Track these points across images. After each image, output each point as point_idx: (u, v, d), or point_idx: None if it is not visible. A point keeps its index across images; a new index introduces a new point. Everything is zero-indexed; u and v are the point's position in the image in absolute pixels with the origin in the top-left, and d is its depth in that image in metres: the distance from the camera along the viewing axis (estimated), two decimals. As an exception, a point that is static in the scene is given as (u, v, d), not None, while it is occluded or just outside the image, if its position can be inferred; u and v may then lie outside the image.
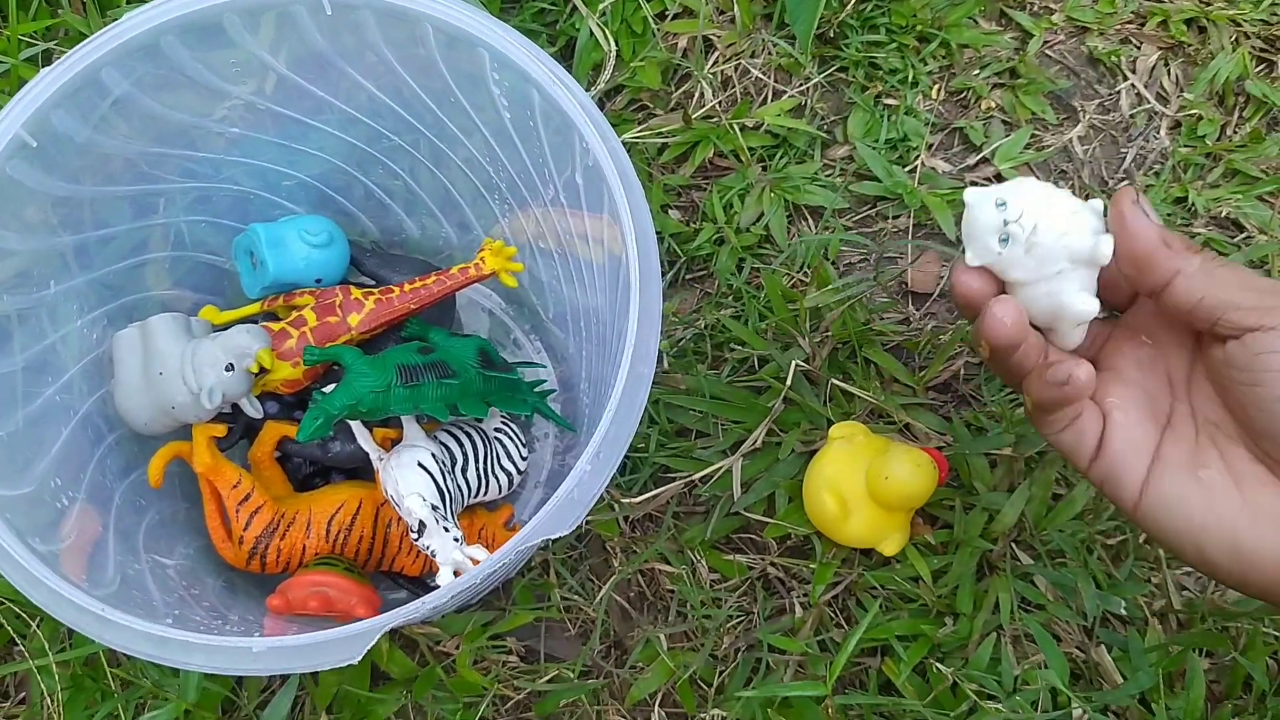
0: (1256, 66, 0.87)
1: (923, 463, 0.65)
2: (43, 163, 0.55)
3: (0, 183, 0.52)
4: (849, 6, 0.85)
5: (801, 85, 0.85)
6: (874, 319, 0.77)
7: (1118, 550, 0.71)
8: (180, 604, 0.56)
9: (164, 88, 0.59)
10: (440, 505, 0.61)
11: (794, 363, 0.73)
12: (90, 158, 0.59)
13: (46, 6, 0.81)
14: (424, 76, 0.62)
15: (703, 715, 0.69)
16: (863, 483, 0.67)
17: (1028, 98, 0.85)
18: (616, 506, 0.73)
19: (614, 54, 0.82)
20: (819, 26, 0.83)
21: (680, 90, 0.84)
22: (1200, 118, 0.85)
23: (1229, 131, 0.86)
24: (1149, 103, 0.86)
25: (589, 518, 0.72)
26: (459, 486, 0.65)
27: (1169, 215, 0.81)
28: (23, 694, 0.70)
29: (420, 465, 0.62)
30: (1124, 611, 0.70)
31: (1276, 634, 0.68)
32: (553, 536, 0.48)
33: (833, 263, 0.80)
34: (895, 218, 0.82)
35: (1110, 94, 0.87)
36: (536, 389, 0.71)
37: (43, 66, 0.78)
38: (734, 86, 0.85)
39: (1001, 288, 0.47)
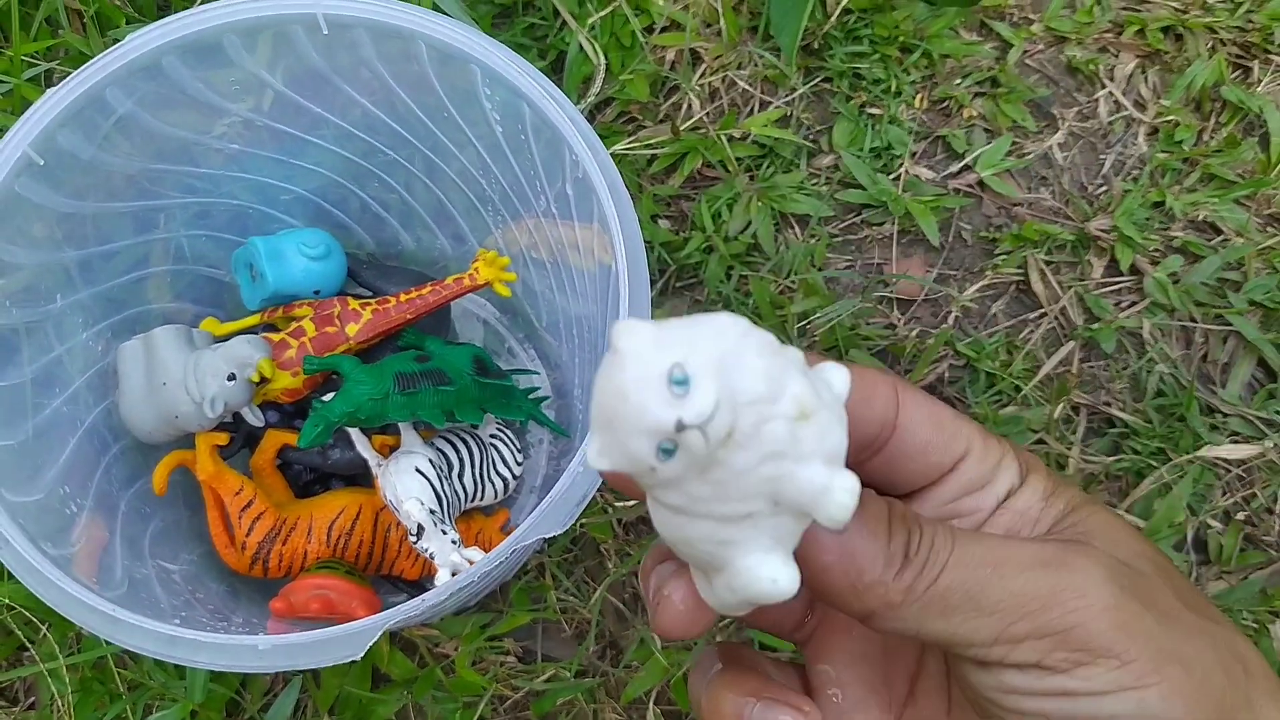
0: (1232, 73, 0.89)
1: None
2: (49, 180, 0.56)
3: (8, 199, 0.54)
4: (833, 19, 0.87)
5: (787, 96, 0.87)
6: (860, 324, 0.79)
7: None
8: (186, 607, 0.58)
9: (165, 106, 0.61)
10: (438, 509, 0.63)
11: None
12: (94, 175, 0.60)
13: (47, 27, 0.82)
14: (418, 92, 0.63)
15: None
16: None
17: (1008, 106, 0.87)
18: (610, 510, 0.74)
19: (603, 67, 0.84)
20: (803, 39, 0.85)
21: (669, 102, 0.86)
22: (1177, 124, 0.87)
23: (1205, 137, 0.88)
24: (1127, 110, 0.88)
25: (583, 521, 0.74)
26: (456, 491, 0.67)
27: (1147, 219, 0.83)
28: (32, 699, 0.71)
29: (418, 470, 0.64)
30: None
31: (1255, 625, 0.70)
32: (547, 535, 0.49)
33: (819, 269, 0.81)
34: (880, 225, 0.83)
35: (1089, 101, 0.89)
36: (531, 396, 0.72)
37: (45, 86, 0.80)
38: (721, 98, 0.86)
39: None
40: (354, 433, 0.67)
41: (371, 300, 0.70)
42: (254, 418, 0.67)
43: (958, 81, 0.88)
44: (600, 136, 0.56)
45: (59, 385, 0.60)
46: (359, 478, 0.72)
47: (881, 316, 0.81)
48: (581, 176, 0.56)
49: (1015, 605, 0.26)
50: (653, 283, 0.80)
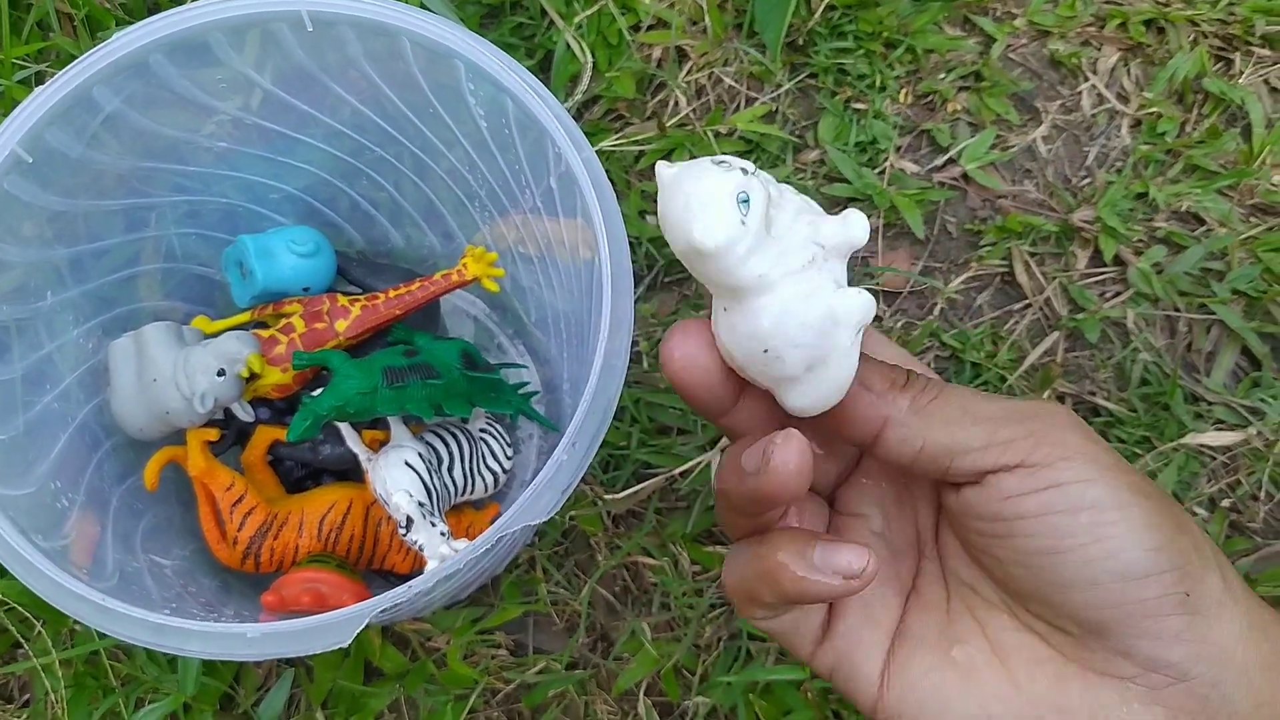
0: (1214, 64, 0.90)
1: None
2: (38, 178, 0.57)
3: (-2, 198, 0.55)
4: (817, 15, 0.87)
5: (773, 92, 0.88)
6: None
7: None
8: (178, 599, 0.58)
9: (153, 104, 0.61)
10: (427, 502, 0.63)
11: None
12: (84, 173, 0.61)
13: (38, 30, 0.83)
14: (405, 90, 0.64)
15: (687, 703, 0.71)
16: None
17: (992, 100, 0.88)
18: (600, 503, 0.75)
19: (590, 65, 0.85)
20: (788, 35, 0.86)
21: (655, 99, 0.87)
22: (1160, 115, 0.88)
23: (1188, 128, 0.88)
24: (1110, 102, 0.89)
25: (573, 514, 0.74)
26: (446, 485, 0.67)
27: (1131, 210, 0.84)
28: (26, 695, 0.71)
29: (407, 464, 0.64)
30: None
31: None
32: (533, 522, 0.50)
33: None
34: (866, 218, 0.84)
35: (1072, 94, 0.90)
36: (520, 391, 0.73)
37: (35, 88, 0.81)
38: (708, 95, 0.87)
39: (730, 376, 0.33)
40: (344, 427, 0.67)
41: (361, 297, 0.71)
42: (244, 413, 0.67)
43: (942, 76, 0.89)
44: (588, 134, 0.57)
45: (50, 382, 0.61)
46: (349, 473, 0.72)
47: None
48: (565, 170, 0.57)
49: (1002, 415, 0.31)
50: (641, 278, 0.81)
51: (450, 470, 0.68)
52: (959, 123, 0.88)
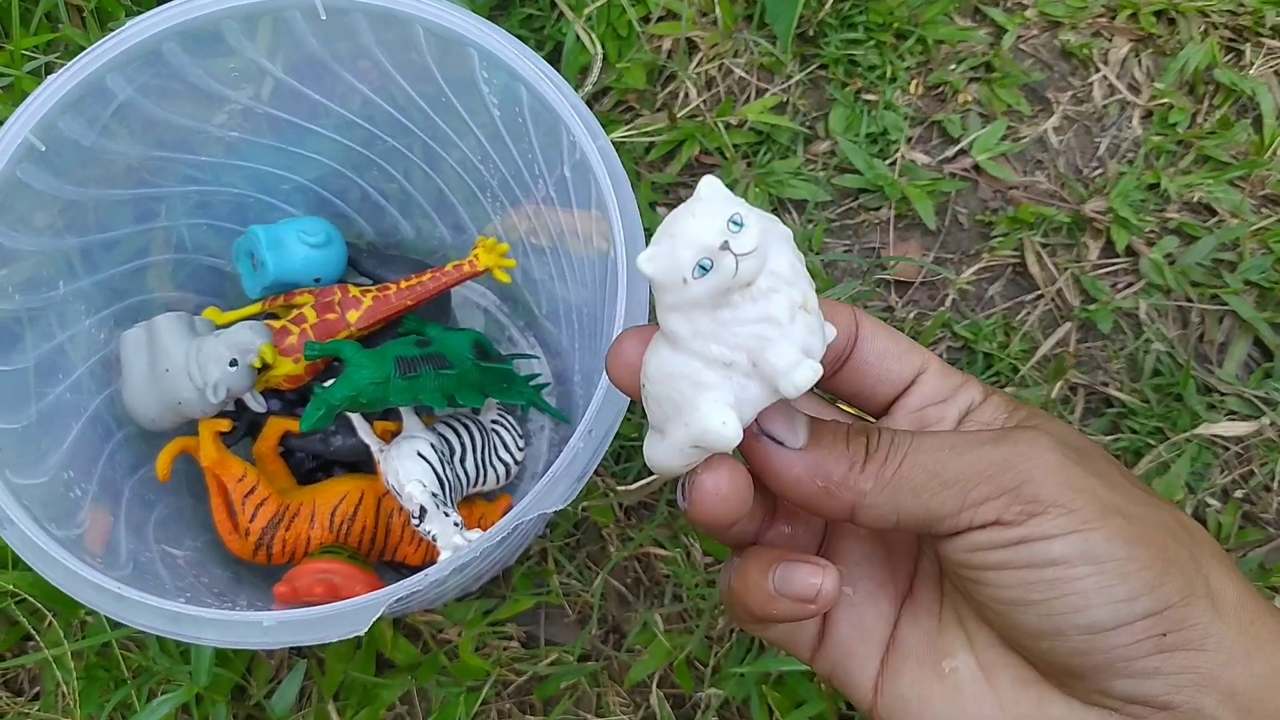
0: (1225, 55, 0.90)
1: None
2: (50, 167, 0.57)
3: (10, 185, 0.54)
4: (828, 6, 0.87)
5: (783, 83, 0.87)
6: (859, 307, 0.79)
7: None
8: (191, 589, 0.58)
9: (165, 94, 0.61)
10: (440, 493, 0.63)
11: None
12: (96, 162, 0.61)
13: (47, 22, 0.83)
14: (417, 80, 0.64)
15: (700, 694, 0.71)
16: None
17: (1003, 91, 0.88)
18: (611, 494, 0.75)
19: (600, 57, 0.84)
20: (799, 26, 0.85)
21: (665, 91, 0.87)
22: (1171, 106, 0.88)
23: (1199, 119, 0.88)
24: (1121, 93, 0.89)
25: (585, 505, 0.74)
26: (458, 476, 0.67)
27: (1142, 201, 0.84)
28: (37, 688, 0.71)
29: (420, 455, 0.64)
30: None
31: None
32: (548, 510, 0.50)
33: (818, 253, 0.82)
34: (877, 209, 0.84)
35: (1083, 85, 0.89)
36: (532, 382, 0.73)
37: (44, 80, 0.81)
38: (718, 86, 0.87)
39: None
40: (355, 418, 0.67)
41: (372, 287, 0.70)
42: (256, 404, 0.67)
43: (952, 67, 0.89)
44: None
45: (62, 372, 0.61)
46: (361, 464, 0.72)
47: (879, 299, 0.81)
48: (579, 159, 0.57)
49: (973, 474, 0.30)
50: (651, 269, 0.81)
51: (462, 461, 0.68)
52: (970, 114, 0.88)
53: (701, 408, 0.28)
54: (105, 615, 0.48)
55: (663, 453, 0.30)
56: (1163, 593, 0.29)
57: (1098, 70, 0.90)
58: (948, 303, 0.81)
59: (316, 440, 0.70)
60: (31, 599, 0.67)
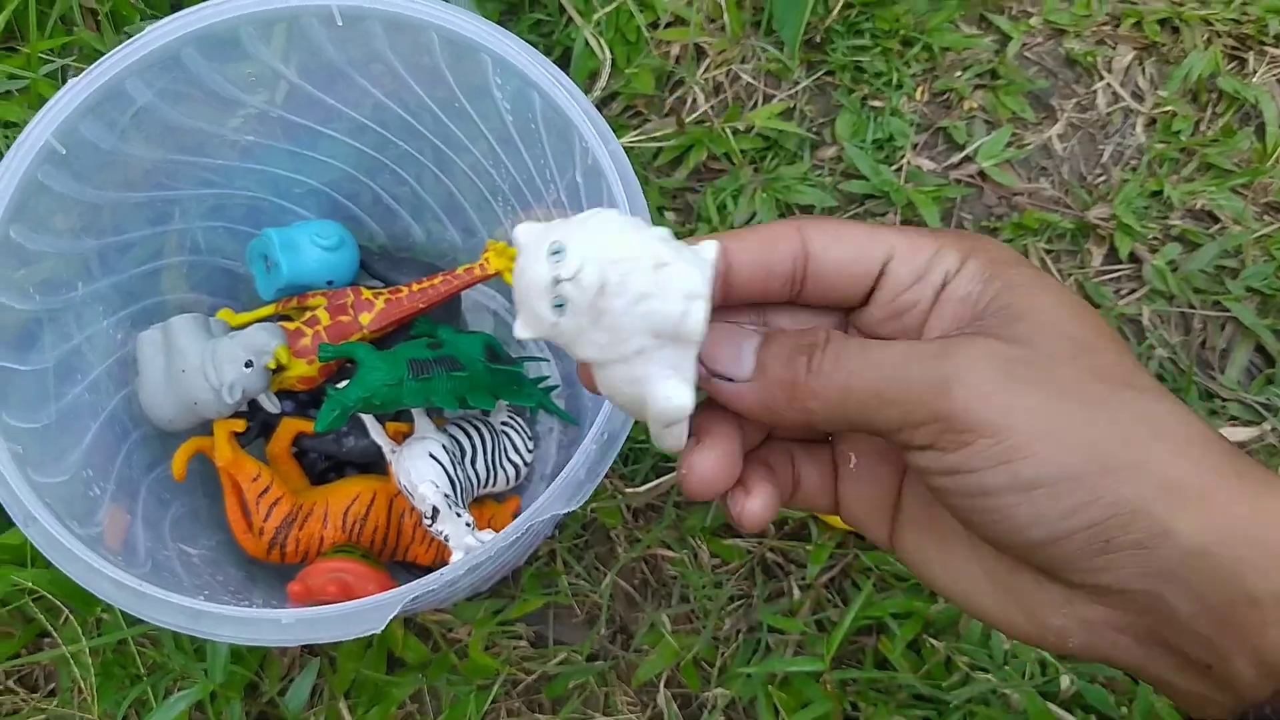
0: (1228, 64, 0.91)
1: None
2: (71, 170, 0.58)
3: (33, 188, 0.55)
4: (835, 12, 0.88)
5: (790, 89, 0.88)
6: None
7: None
8: (208, 587, 0.59)
9: (183, 98, 0.62)
10: (451, 494, 0.64)
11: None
12: (113, 166, 0.62)
13: (62, 25, 0.84)
14: (430, 85, 0.65)
15: (706, 694, 0.72)
16: None
17: (1008, 98, 0.88)
18: (620, 496, 0.76)
19: (609, 62, 0.85)
20: (806, 32, 0.86)
21: (674, 96, 0.88)
22: (1175, 114, 0.89)
23: (1202, 127, 0.89)
24: (1125, 101, 0.90)
25: (594, 507, 0.75)
26: (469, 477, 0.68)
27: (1145, 208, 0.85)
28: (52, 685, 0.72)
29: (431, 455, 0.65)
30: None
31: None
32: (560, 512, 0.50)
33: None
34: (883, 215, 0.85)
35: (1087, 93, 0.90)
36: (541, 385, 0.74)
37: (60, 82, 0.82)
38: (725, 91, 0.88)
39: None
40: (368, 420, 0.68)
41: (384, 290, 0.71)
42: (271, 405, 0.68)
43: (958, 74, 0.89)
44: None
45: (80, 372, 0.62)
46: (373, 465, 0.73)
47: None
48: (592, 164, 0.57)
49: (912, 396, 0.30)
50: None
51: (473, 463, 0.69)
52: (975, 120, 0.88)
53: (647, 397, 0.31)
54: (125, 612, 0.49)
55: (662, 441, 0.33)
56: (1102, 505, 0.29)
57: (1102, 78, 0.90)
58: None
59: (329, 441, 0.71)
60: (49, 595, 0.68)
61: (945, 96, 0.89)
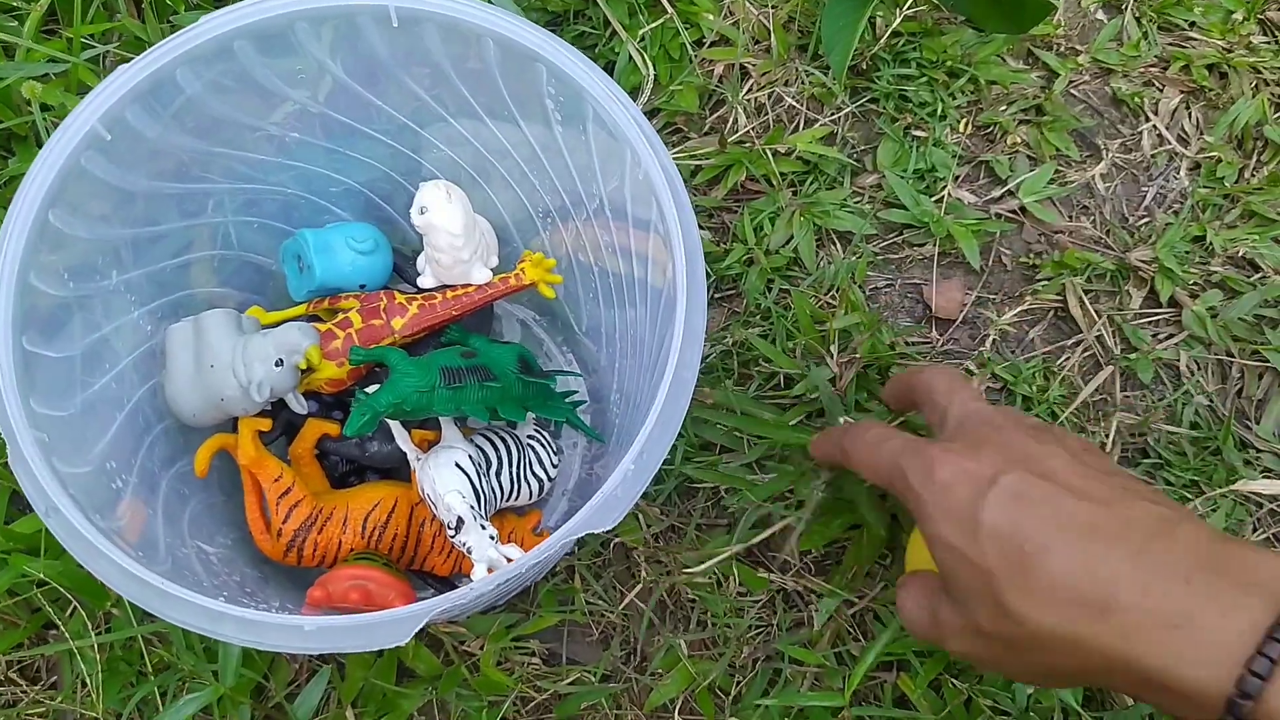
0: (1275, 112, 0.90)
1: None
2: (113, 156, 0.57)
3: (74, 172, 0.54)
4: (882, 41, 0.87)
5: (833, 115, 0.87)
6: (899, 341, 0.79)
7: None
8: (225, 587, 0.58)
9: (228, 90, 0.61)
10: (476, 505, 0.63)
11: (823, 381, 0.75)
12: (155, 155, 0.61)
13: (104, 11, 0.83)
14: (477, 90, 0.64)
15: (721, 723, 0.70)
16: None
17: (1052, 134, 0.87)
18: (642, 517, 0.74)
19: (652, 78, 0.85)
20: (852, 59, 0.85)
21: (715, 115, 0.87)
22: (1219, 160, 0.88)
23: (1247, 174, 0.88)
24: (1170, 143, 0.89)
25: (616, 527, 0.74)
26: (493, 489, 0.67)
27: (1187, 253, 0.84)
28: (54, 678, 0.71)
29: (458, 465, 0.64)
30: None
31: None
32: (596, 531, 0.49)
33: (860, 285, 0.82)
34: (921, 245, 0.84)
35: (1132, 134, 0.89)
36: (568, 400, 0.72)
37: (100, 68, 0.81)
38: (768, 113, 0.87)
39: None
40: (394, 426, 0.67)
41: (418, 295, 0.70)
42: (299, 405, 0.67)
43: (1003, 108, 0.88)
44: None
45: (107, 362, 0.61)
46: (395, 471, 0.72)
47: (920, 335, 0.81)
48: (642, 178, 0.56)
49: None
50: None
51: (498, 475, 0.68)
52: (1018, 155, 0.87)
53: None
54: (143, 610, 0.48)
55: None
56: None
57: (1148, 120, 0.89)
58: (988, 343, 0.81)
59: (353, 445, 0.70)
60: (59, 587, 0.67)
61: (989, 130, 0.88)
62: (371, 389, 0.63)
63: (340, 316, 0.69)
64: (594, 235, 0.68)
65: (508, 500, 0.69)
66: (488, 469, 0.67)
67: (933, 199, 0.85)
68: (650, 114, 0.86)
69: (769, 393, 0.78)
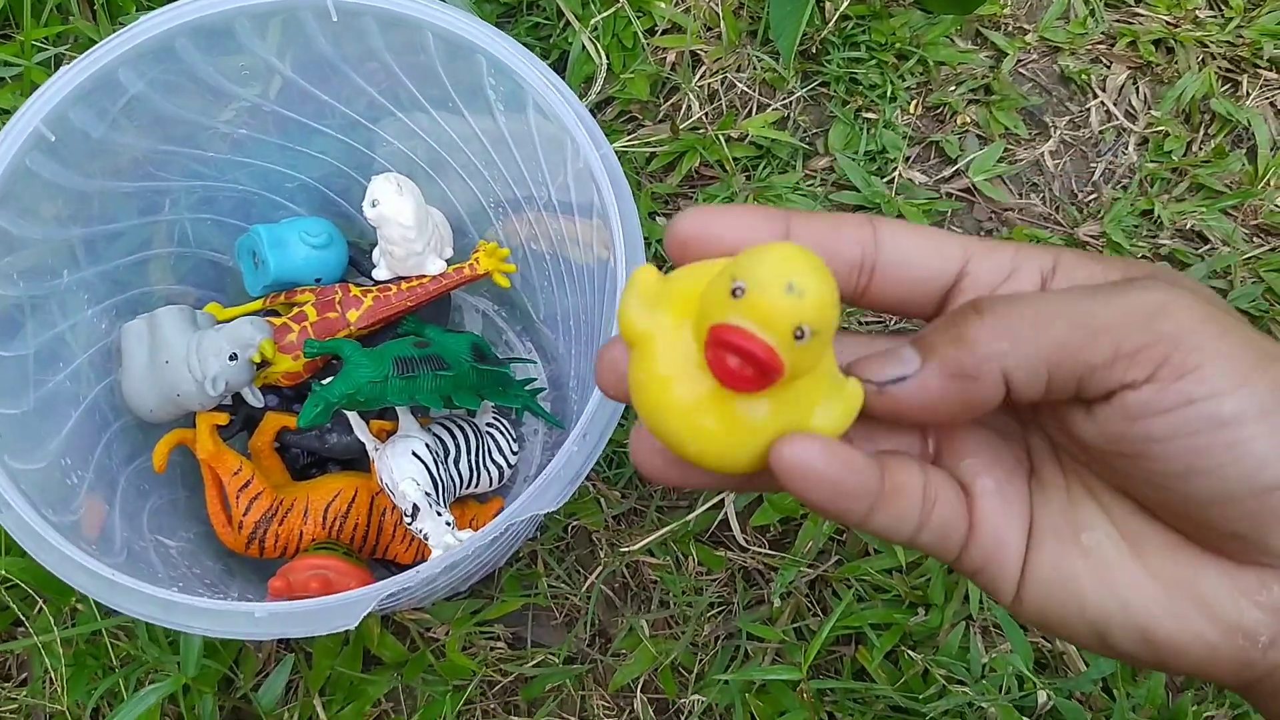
0: (1221, 86, 0.91)
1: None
2: (59, 157, 0.58)
3: (19, 174, 0.55)
4: (831, 24, 0.88)
5: (785, 99, 0.88)
6: (853, 321, 0.80)
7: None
8: (183, 579, 0.59)
9: (175, 89, 0.62)
10: (433, 492, 0.64)
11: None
12: (103, 154, 0.61)
13: (57, 14, 0.83)
14: (424, 83, 0.65)
15: (683, 700, 0.71)
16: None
17: (1001, 114, 0.89)
18: (603, 501, 0.75)
19: (605, 67, 0.85)
20: (802, 43, 0.86)
21: (668, 103, 0.88)
22: (1167, 134, 0.89)
23: (1194, 148, 0.89)
24: (1118, 120, 0.90)
25: (575, 512, 0.75)
26: (452, 477, 0.68)
27: (1135, 227, 0.85)
28: (24, 675, 0.72)
29: (414, 454, 0.65)
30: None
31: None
32: (541, 512, 0.50)
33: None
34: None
35: (1080, 111, 0.91)
36: (527, 387, 0.73)
37: (54, 71, 0.81)
38: (720, 99, 0.88)
39: None
40: (352, 417, 0.68)
41: (373, 288, 0.71)
42: (254, 398, 0.68)
43: (952, 88, 0.90)
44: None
45: (62, 360, 0.61)
46: (355, 462, 0.73)
47: (872, 314, 0.82)
48: (582, 167, 0.57)
49: (1123, 321, 0.27)
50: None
51: (456, 463, 0.69)
52: (968, 135, 0.89)
53: None
54: (97, 602, 0.49)
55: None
56: None
57: (1095, 96, 0.91)
58: (941, 321, 0.82)
59: (312, 437, 0.71)
60: (22, 585, 0.68)
61: (939, 111, 0.90)
62: (327, 381, 0.64)
63: (296, 310, 0.70)
64: (545, 225, 0.69)
65: (468, 488, 0.70)
66: (446, 457, 0.68)
67: (884, 180, 0.86)
68: (604, 103, 0.87)
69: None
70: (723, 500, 0.74)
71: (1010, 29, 0.93)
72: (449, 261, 0.72)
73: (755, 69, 0.88)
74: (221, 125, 0.67)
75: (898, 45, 0.89)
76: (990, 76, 0.90)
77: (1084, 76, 0.91)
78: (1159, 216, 0.85)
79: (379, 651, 0.71)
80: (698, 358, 0.25)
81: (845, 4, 0.88)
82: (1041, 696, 0.68)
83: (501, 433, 0.73)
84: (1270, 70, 0.91)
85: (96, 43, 0.55)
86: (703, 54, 0.89)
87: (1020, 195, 0.87)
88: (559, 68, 0.87)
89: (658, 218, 0.85)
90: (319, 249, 0.72)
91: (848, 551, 0.74)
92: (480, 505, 0.73)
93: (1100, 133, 0.90)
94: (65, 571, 0.49)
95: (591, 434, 0.52)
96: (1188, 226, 0.85)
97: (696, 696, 0.71)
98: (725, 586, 0.74)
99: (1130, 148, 0.89)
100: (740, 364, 0.24)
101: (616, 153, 0.80)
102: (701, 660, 0.72)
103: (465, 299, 0.82)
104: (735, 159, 0.85)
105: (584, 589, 0.74)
